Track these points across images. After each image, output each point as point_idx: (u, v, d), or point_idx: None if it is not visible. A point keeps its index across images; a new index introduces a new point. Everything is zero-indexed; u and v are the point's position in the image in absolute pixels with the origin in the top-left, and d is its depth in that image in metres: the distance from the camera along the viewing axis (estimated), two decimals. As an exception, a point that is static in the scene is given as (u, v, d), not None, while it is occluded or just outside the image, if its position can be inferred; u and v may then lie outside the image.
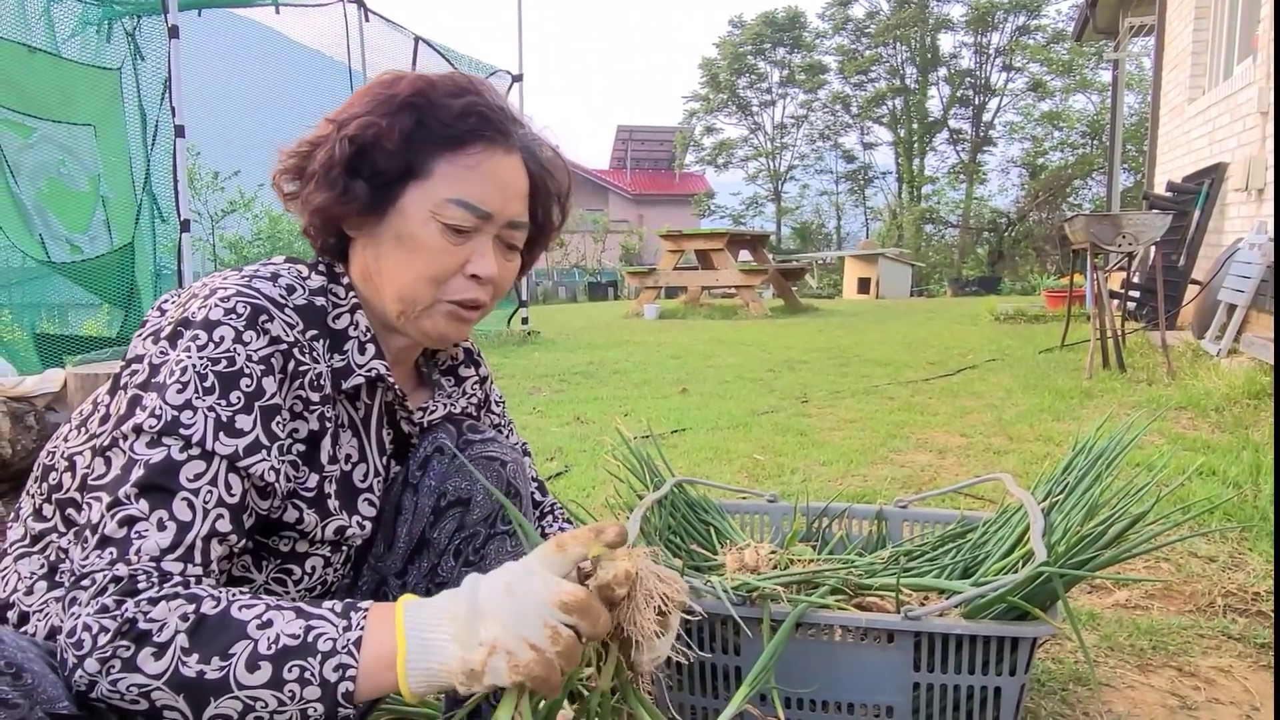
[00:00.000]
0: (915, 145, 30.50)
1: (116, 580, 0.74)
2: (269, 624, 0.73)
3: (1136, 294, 6.89)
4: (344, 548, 1.01)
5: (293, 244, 11.37)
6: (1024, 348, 6.54)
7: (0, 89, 4.89)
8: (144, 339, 0.90)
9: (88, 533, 0.78)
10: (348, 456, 1.00)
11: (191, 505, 0.79)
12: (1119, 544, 1.21)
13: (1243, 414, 3.57)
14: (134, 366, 0.88)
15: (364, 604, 0.77)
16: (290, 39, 7.16)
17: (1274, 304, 4.76)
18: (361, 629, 0.74)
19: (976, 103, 29.71)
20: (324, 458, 0.96)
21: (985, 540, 1.43)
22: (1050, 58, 27.30)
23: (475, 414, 1.22)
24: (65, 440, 0.94)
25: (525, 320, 8.94)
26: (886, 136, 31.73)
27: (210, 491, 0.81)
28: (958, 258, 27.41)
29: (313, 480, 0.95)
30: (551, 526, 1.29)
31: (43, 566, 0.91)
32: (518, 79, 8.65)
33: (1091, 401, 4.19)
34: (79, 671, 0.73)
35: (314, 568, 0.99)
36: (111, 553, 0.76)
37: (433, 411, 1.10)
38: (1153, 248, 5.91)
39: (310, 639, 0.73)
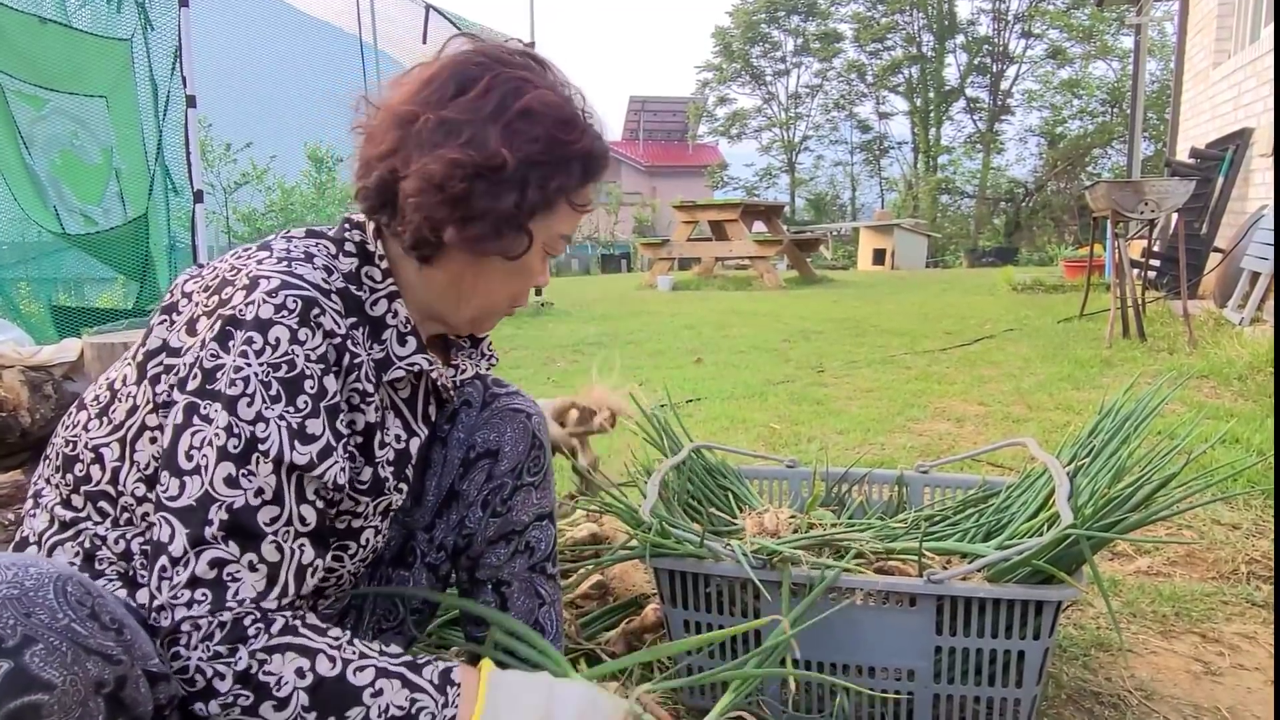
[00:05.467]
0: (931, 114, 30.09)
1: (223, 626, 0.78)
2: (380, 693, 0.81)
3: (1157, 263, 6.79)
4: (390, 516, 1.03)
5: (305, 216, 11.36)
6: (1042, 317, 6.47)
7: (13, 61, 4.86)
8: (176, 330, 0.87)
9: (168, 562, 0.79)
10: (398, 436, 1.01)
11: (279, 548, 0.82)
12: (1146, 507, 1.19)
13: (1266, 382, 3.52)
14: (169, 361, 0.86)
15: (455, 675, 0.85)
16: (299, 10, 7.10)
17: (1274, 282, 4.68)
18: (456, 706, 0.83)
19: (994, 70, 29.25)
20: (376, 446, 0.97)
21: (1008, 504, 1.41)
22: (1070, 24, 26.79)
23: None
24: (85, 429, 0.92)
25: (539, 292, 8.93)
26: (902, 106, 31.33)
27: (288, 530, 0.83)
28: (974, 228, 27.15)
29: (367, 473, 0.96)
30: None
31: (78, 555, 0.90)
32: (530, 47, 8.55)
33: (1111, 370, 4.14)
34: (197, 704, 0.78)
35: (367, 540, 1.01)
36: (206, 594, 0.78)
37: (463, 372, 1.12)
38: (1174, 215, 5.81)
39: (414, 711, 0.82)
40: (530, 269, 1.01)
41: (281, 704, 0.77)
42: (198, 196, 4.85)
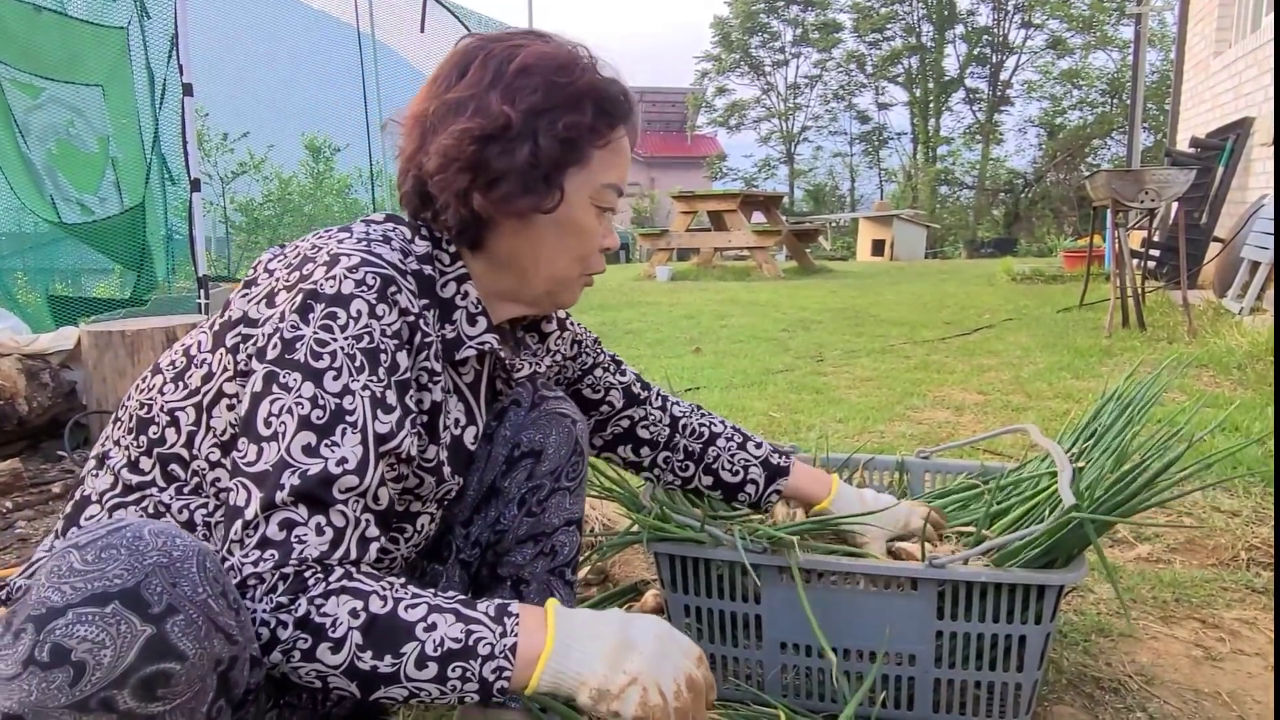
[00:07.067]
0: (931, 105, 30.02)
1: (285, 578, 0.79)
2: (434, 627, 0.79)
3: (1157, 253, 6.78)
4: (444, 503, 1.04)
5: (302, 207, 11.32)
6: (1042, 307, 6.46)
7: (8, 49, 4.83)
8: (256, 301, 0.89)
9: (241, 526, 0.81)
10: (457, 421, 1.02)
11: (345, 515, 0.82)
12: (1149, 489, 1.18)
13: (1266, 371, 3.52)
14: (247, 331, 0.87)
15: (513, 608, 0.83)
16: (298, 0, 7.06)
17: (1274, 271, 4.67)
18: (515, 635, 0.80)
19: (994, 61, 29.17)
20: (440, 427, 0.97)
21: (1010, 490, 1.41)
22: (1070, 14, 26.70)
23: (565, 362, 1.26)
24: (161, 393, 0.93)
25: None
26: (902, 96, 31.26)
27: (359, 502, 0.83)
28: (973, 219, 27.11)
29: (431, 451, 0.97)
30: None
31: (141, 517, 0.90)
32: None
33: (1111, 360, 4.14)
34: (266, 658, 0.79)
35: (422, 525, 1.02)
36: (274, 554, 0.79)
37: (520, 370, 1.11)
38: (1174, 205, 5.80)
39: (471, 643, 0.79)
40: (584, 227, 1.00)
41: (337, 645, 0.77)
42: (195, 185, 4.82)
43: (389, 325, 0.87)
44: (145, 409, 0.93)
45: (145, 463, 0.92)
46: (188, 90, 4.80)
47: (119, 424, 0.96)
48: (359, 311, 0.85)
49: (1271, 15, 6.15)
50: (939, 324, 5.84)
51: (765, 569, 1.25)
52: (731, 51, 31.97)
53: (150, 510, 0.91)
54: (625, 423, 1.33)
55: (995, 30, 29.04)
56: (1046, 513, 1.27)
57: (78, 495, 0.95)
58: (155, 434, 0.92)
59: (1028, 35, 28.63)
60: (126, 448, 0.94)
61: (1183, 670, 1.43)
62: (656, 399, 1.34)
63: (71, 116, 5.40)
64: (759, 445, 1.35)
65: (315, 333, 0.84)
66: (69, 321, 4.54)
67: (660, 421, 1.33)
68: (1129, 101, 10.22)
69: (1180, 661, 1.46)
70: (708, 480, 1.34)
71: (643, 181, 29.66)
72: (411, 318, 0.90)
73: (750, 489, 1.33)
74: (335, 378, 0.83)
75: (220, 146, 9.95)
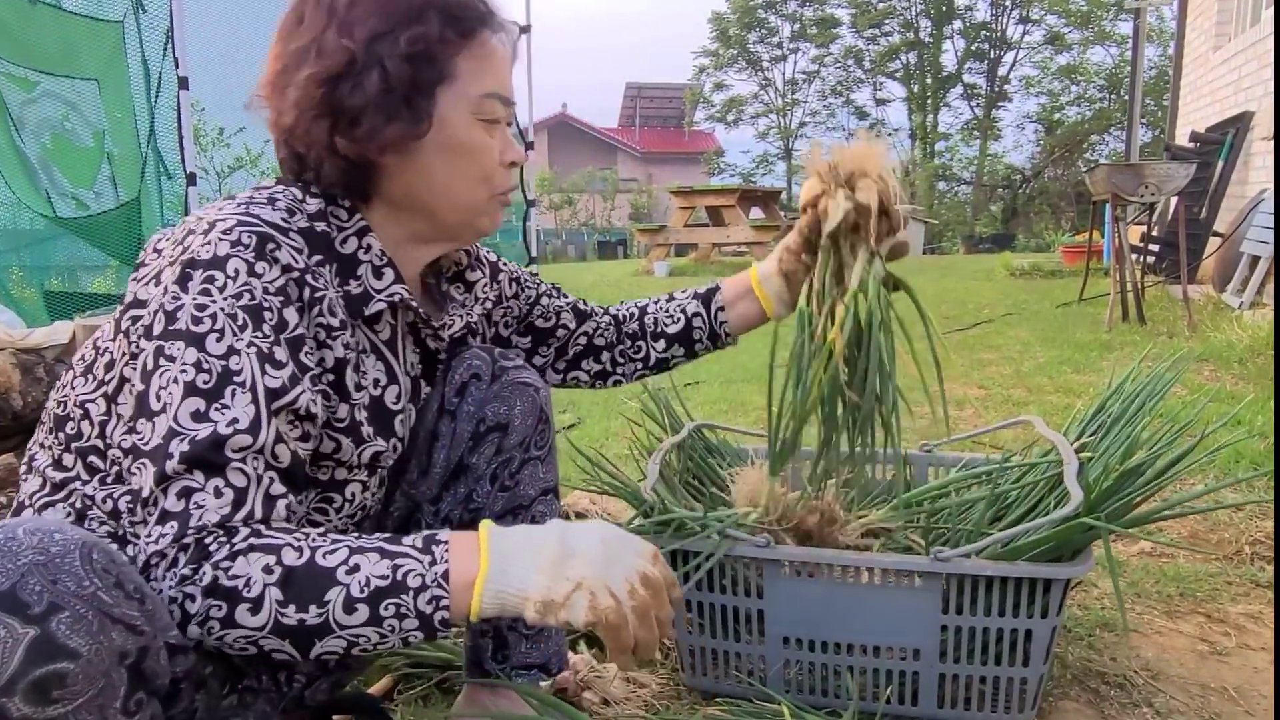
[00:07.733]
0: (929, 101, 29.98)
1: (185, 549, 0.75)
2: (356, 568, 0.76)
3: (1156, 248, 6.77)
4: (379, 471, 1.00)
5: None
6: (1041, 302, 6.45)
7: (2, 43, 4.81)
8: (145, 283, 0.87)
9: (141, 507, 0.78)
10: (376, 381, 0.98)
11: (244, 474, 0.79)
12: (1159, 482, 1.17)
13: (1267, 365, 3.51)
14: (136, 312, 0.85)
15: (442, 536, 0.79)
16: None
17: (1274, 266, 4.66)
18: (446, 562, 0.77)
19: (992, 57, 29.14)
20: (350, 385, 0.94)
21: (1016, 483, 1.39)
22: (1068, 9, 26.67)
23: (509, 302, 1.24)
24: (73, 388, 0.92)
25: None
26: (899, 92, 31.20)
27: (258, 459, 0.80)
28: (971, 215, 27.10)
29: (343, 410, 0.93)
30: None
31: (69, 515, 0.90)
32: (525, 30, 8.49)
33: (1111, 354, 4.13)
34: (185, 633, 0.76)
35: (353, 494, 0.98)
36: (173, 526, 0.76)
37: (451, 326, 1.08)
38: (1174, 200, 5.79)
39: (399, 577, 0.76)
40: (473, 145, 0.95)
41: (255, 604, 0.74)
42: (191, 180, 4.79)
43: (271, 283, 0.84)
44: (61, 406, 0.92)
45: (67, 459, 0.91)
46: (183, 84, 4.77)
47: (42, 426, 0.95)
48: (236, 270, 0.82)
49: (1270, 9, 6.14)
50: (938, 319, 5.79)
51: (768, 563, 1.23)
52: (729, 47, 31.91)
53: (78, 505, 0.90)
54: (583, 340, 1.31)
55: (993, 26, 29.00)
56: (1052, 505, 1.26)
57: (14, 504, 0.94)
58: (72, 429, 0.90)
59: (1026, 31, 28.61)
60: (50, 447, 0.93)
61: (1188, 665, 1.42)
62: (599, 309, 1.34)
63: (67, 110, 5.37)
64: (683, 292, 1.35)
65: (195, 299, 0.81)
66: (64, 317, 4.52)
67: (608, 326, 1.32)
68: (1127, 97, 10.20)
69: (1186, 656, 1.45)
70: (660, 345, 1.32)
71: (640, 177, 29.63)
72: (296, 273, 0.87)
73: (698, 322, 1.31)
74: (219, 339, 0.80)
75: (216, 141, 9.90)
